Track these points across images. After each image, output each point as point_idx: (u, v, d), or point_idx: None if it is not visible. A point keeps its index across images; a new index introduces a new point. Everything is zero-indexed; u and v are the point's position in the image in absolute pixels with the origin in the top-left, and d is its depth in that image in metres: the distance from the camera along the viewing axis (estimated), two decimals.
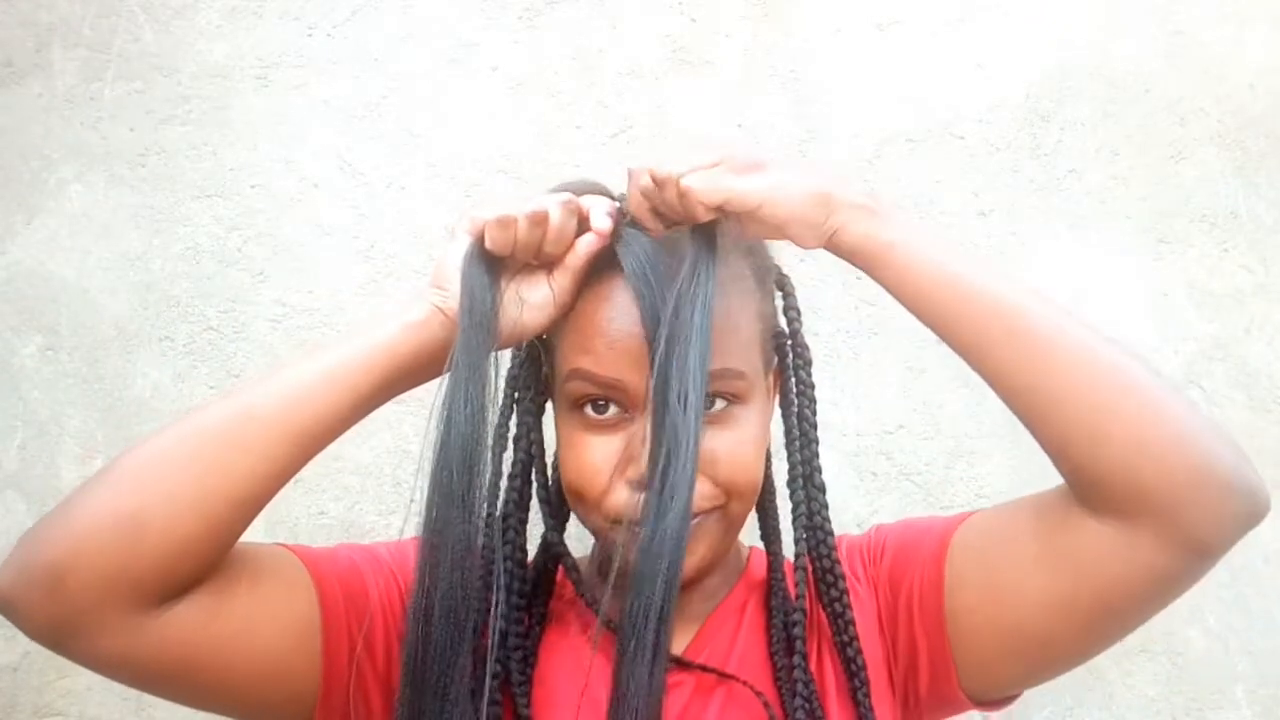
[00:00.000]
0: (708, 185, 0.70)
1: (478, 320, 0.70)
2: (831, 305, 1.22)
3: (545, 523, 0.81)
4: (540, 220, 0.72)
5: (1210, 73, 1.26)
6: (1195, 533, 0.67)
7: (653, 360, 0.69)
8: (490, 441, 0.74)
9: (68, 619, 0.65)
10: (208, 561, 0.68)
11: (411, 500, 1.18)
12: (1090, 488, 0.69)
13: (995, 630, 0.74)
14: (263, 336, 1.21)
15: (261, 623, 0.71)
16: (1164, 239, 1.24)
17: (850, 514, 1.19)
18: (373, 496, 1.19)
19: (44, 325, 1.21)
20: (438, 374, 0.73)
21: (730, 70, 1.26)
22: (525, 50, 1.26)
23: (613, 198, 0.79)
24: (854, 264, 0.73)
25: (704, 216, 0.71)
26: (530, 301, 0.74)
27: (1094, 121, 1.26)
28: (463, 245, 0.73)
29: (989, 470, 1.21)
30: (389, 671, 0.76)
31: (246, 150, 1.24)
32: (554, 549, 0.81)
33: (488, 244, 0.72)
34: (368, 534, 1.19)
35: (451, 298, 0.72)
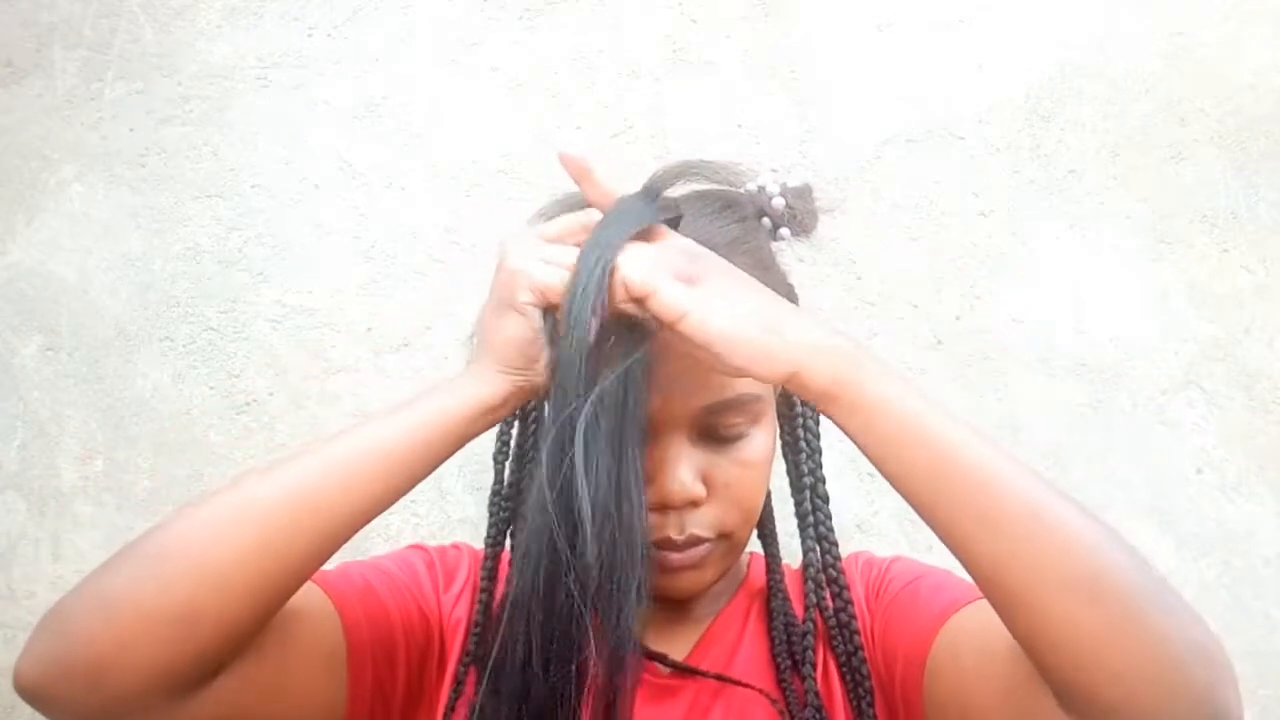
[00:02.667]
0: (640, 277, 0.65)
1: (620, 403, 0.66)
2: (832, 307, 1.22)
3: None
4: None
5: (1210, 73, 1.26)
6: None
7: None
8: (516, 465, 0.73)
9: (108, 711, 0.62)
10: (254, 639, 0.66)
11: (411, 500, 1.19)
12: (1051, 685, 0.61)
13: None
14: (263, 336, 1.21)
15: (295, 667, 0.69)
16: (1164, 239, 1.24)
17: (850, 514, 1.19)
18: None
19: (44, 325, 1.21)
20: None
21: (730, 70, 1.26)
22: (525, 50, 1.26)
23: None
24: (819, 404, 0.65)
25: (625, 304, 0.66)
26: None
27: (1094, 122, 1.26)
28: (534, 320, 0.68)
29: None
30: (407, 688, 0.76)
31: (246, 150, 1.24)
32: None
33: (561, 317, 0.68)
34: (367, 534, 1.19)
35: (537, 374, 0.69)
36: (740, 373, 0.65)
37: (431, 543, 1.14)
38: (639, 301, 0.65)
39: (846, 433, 0.65)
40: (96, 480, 1.20)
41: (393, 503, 0.70)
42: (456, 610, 0.80)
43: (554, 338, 0.68)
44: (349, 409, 1.21)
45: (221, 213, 1.23)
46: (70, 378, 1.20)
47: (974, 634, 0.71)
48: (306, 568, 0.66)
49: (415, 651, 0.76)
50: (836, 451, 1.19)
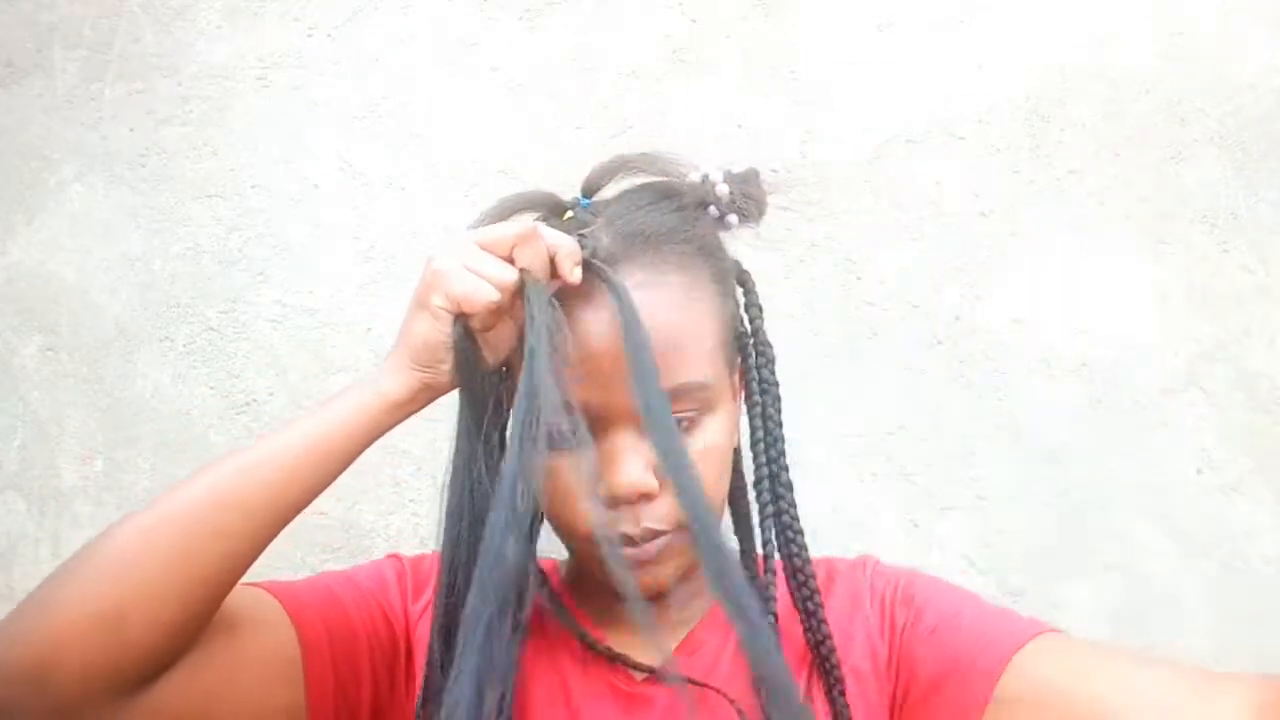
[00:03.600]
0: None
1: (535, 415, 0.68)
2: (832, 306, 1.22)
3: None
4: (516, 290, 0.71)
5: (1210, 73, 1.26)
6: None
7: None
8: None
9: (57, 712, 0.64)
10: (191, 639, 0.68)
11: (410, 500, 1.19)
12: None
13: None
14: (263, 337, 1.21)
15: (242, 670, 0.71)
16: (1164, 240, 1.24)
17: (850, 514, 1.19)
18: (372, 496, 1.19)
19: (44, 325, 1.21)
20: None
21: (730, 70, 1.26)
22: (525, 50, 1.26)
23: (565, 205, 0.79)
24: None
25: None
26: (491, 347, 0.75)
27: (1094, 122, 1.26)
28: (444, 325, 0.72)
29: (989, 470, 1.21)
30: (374, 698, 0.76)
31: (246, 150, 1.24)
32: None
33: (476, 325, 0.72)
34: (367, 534, 1.19)
35: (442, 374, 0.73)
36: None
37: (431, 543, 1.13)
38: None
39: None
40: (96, 480, 1.20)
41: (312, 499, 0.71)
42: (424, 621, 0.79)
43: (460, 345, 0.72)
44: None
45: (221, 213, 1.23)
46: (70, 378, 1.20)
47: (1055, 675, 0.71)
48: (230, 568, 0.68)
49: (382, 662, 0.76)
50: (836, 452, 1.20)
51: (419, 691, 0.76)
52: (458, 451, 0.75)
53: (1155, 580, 1.17)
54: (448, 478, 0.76)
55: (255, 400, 1.21)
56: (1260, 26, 1.27)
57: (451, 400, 1.19)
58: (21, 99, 1.24)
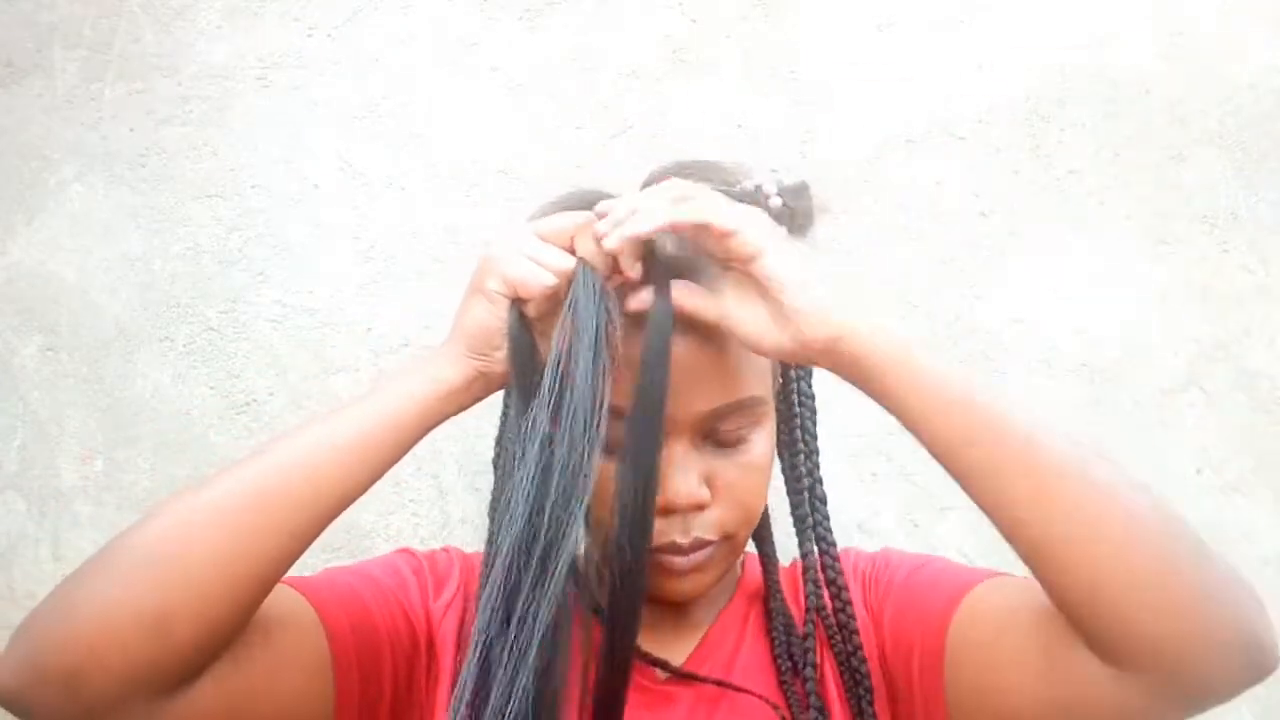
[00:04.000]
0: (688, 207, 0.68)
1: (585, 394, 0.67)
2: None
3: None
4: (570, 276, 0.70)
5: (1210, 73, 1.26)
6: (1195, 691, 0.63)
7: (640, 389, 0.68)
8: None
9: (88, 716, 0.61)
10: (234, 637, 0.66)
11: (410, 500, 1.19)
12: (1090, 636, 0.63)
13: (988, 713, 0.71)
14: (263, 337, 1.21)
15: (279, 673, 0.69)
16: (1164, 240, 1.24)
17: (850, 515, 1.19)
18: (373, 496, 1.18)
19: (44, 325, 1.21)
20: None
21: (730, 70, 1.26)
22: (525, 50, 1.26)
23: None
24: (858, 371, 0.67)
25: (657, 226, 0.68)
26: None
27: (1094, 122, 1.26)
28: (500, 310, 0.70)
29: None
30: (394, 697, 0.75)
31: (247, 150, 1.24)
32: None
33: (531, 312, 0.70)
34: (368, 534, 1.19)
35: (498, 362, 0.70)
36: (786, 328, 0.67)
37: (432, 543, 1.14)
38: (721, 238, 0.67)
39: (884, 400, 0.67)
40: (96, 480, 1.20)
41: (362, 492, 0.69)
42: (448, 619, 0.79)
43: (514, 331, 0.69)
44: None
45: (221, 213, 1.23)
46: (70, 378, 1.20)
47: (993, 611, 0.72)
48: (279, 565, 0.66)
49: (402, 660, 0.76)
50: (836, 452, 1.19)
51: (449, 689, 0.75)
52: (504, 441, 0.73)
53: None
54: (498, 466, 0.75)
55: (255, 400, 1.21)
56: (1260, 26, 1.27)
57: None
58: (21, 99, 1.24)
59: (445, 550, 0.85)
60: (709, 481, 0.73)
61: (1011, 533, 0.65)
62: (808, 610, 0.80)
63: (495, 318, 0.69)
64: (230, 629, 0.64)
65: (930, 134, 1.25)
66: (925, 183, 1.25)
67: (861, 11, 1.27)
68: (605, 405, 0.67)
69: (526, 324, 0.70)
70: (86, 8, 1.26)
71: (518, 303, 0.69)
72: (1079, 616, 0.63)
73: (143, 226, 1.23)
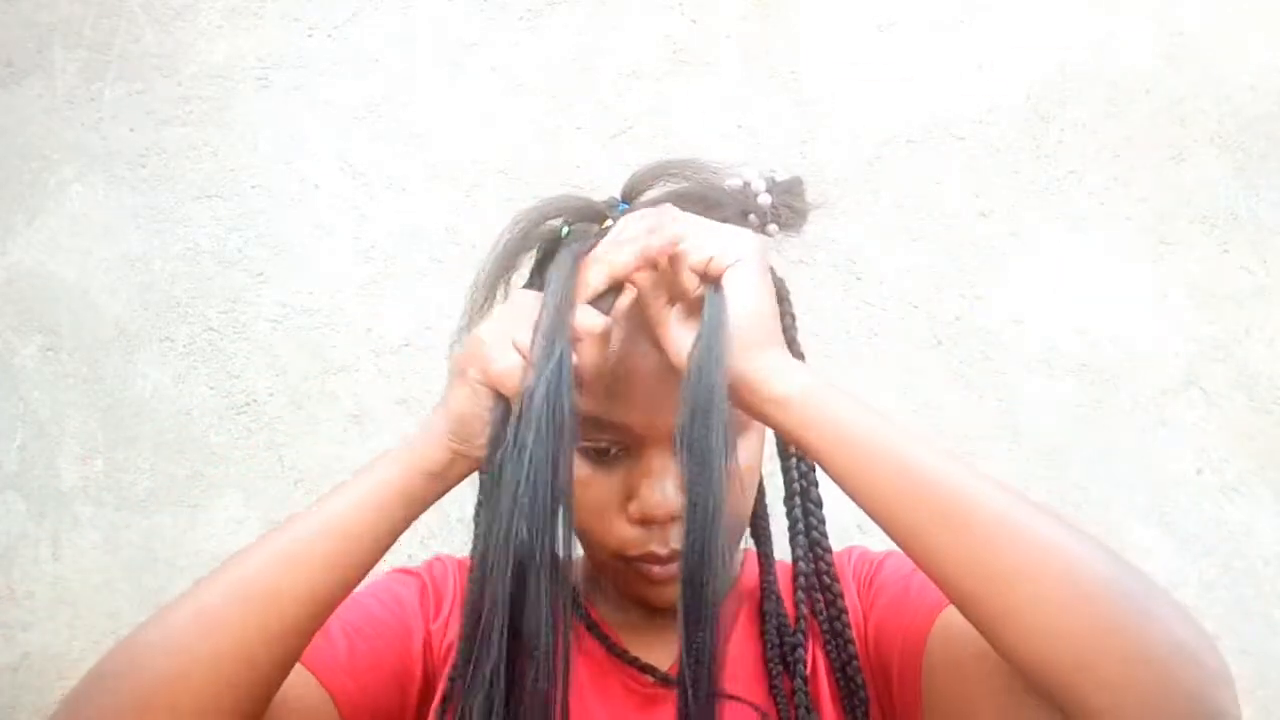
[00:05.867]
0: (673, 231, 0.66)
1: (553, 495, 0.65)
2: (832, 307, 1.22)
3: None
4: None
5: (1210, 73, 1.26)
6: None
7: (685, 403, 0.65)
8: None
9: None
10: None
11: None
12: (1040, 693, 0.61)
13: None
14: (263, 337, 1.21)
15: None
16: (1164, 240, 1.24)
17: (850, 515, 1.18)
18: None
19: (44, 325, 1.21)
20: None
21: (730, 70, 1.26)
22: (525, 50, 1.26)
23: (603, 212, 0.78)
24: (774, 418, 0.66)
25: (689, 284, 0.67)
26: None
27: (1094, 122, 1.26)
28: (483, 400, 0.66)
29: (989, 470, 1.20)
30: None
31: (246, 151, 1.24)
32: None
33: (514, 404, 0.67)
34: None
35: (478, 449, 0.67)
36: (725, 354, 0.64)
37: (432, 542, 1.14)
38: (672, 258, 0.65)
39: (806, 449, 0.65)
40: (96, 480, 1.20)
41: (359, 579, 0.67)
42: (448, 635, 0.78)
43: (497, 426, 0.66)
44: (349, 409, 1.21)
45: (221, 213, 1.23)
46: (70, 378, 1.20)
47: (965, 629, 0.71)
48: (280, 665, 0.64)
49: (412, 692, 0.75)
50: None
51: (440, 698, 0.75)
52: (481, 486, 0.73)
53: (1155, 580, 1.17)
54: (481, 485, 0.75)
55: (255, 400, 1.21)
56: (1260, 26, 1.27)
57: None
58: (21, 99, 1.24)
59: (439, 560, 0.85)
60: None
61: (943, 586, 0.62)
62: (798, 617, 0.79)
63: (478, 406, 0.67)
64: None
65: (930, 134, 1.25)
66: (925, 183, 1.25)
67: (861, 11, 1.27)
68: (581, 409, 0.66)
69: (508, 417, 0.67)
70: (86, 8, 1.26)
71: (501, 398, 0.67)
72: (1029, 681, 0.60)
73: (143, 226, 1.23)
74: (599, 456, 0.73)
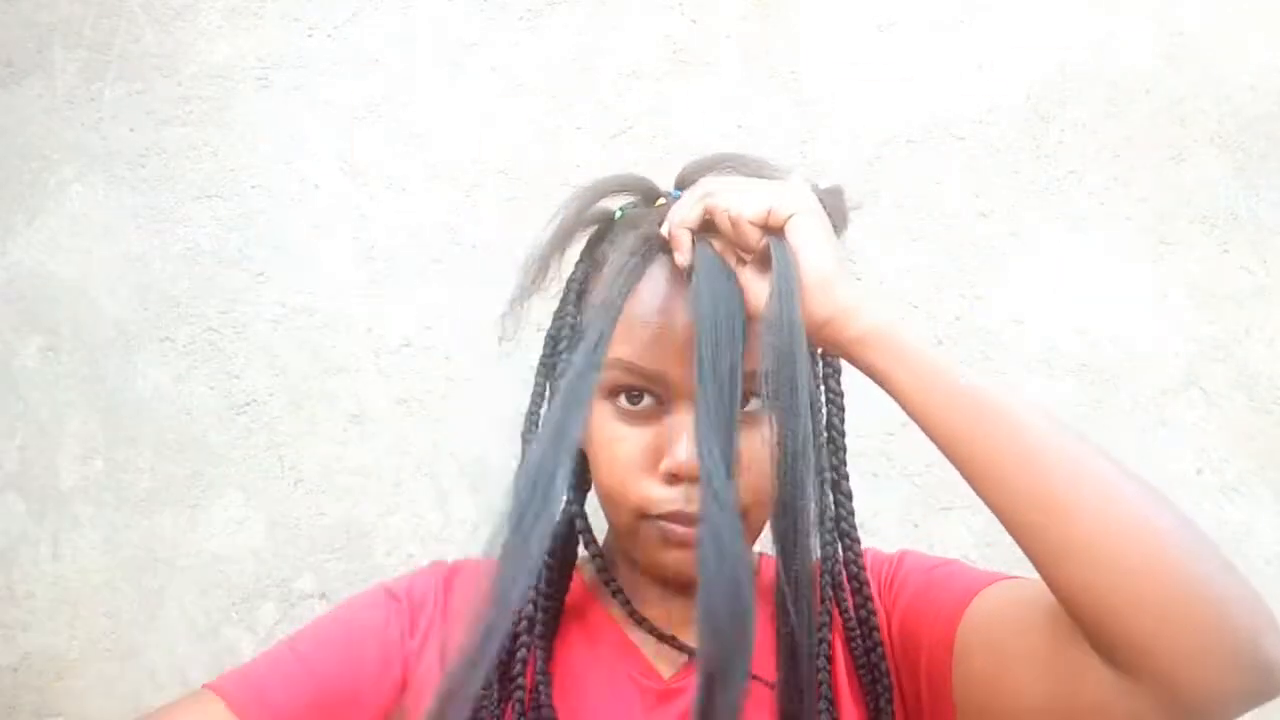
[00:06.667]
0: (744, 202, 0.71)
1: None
2: None
3: (567, 495, 0.79)
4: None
5: (1210, 73, 1.26)
6: (1197, 703, 0.60)
7: (699, 356, 0.68)
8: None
9: None
10: None
11: (411, 501, 1.19)
12: (1090, 636, 0.62)
13: (993, 713, 0.71)
14: (263, 337, 1.21)
15: None
16: (1164, 240, 1.24)
17: (855, 516, 1.19)
18: (373, 496, 1.19)
19: (44, 325, 1.21)
20: None
21: (730, 70, 1.26)
22: (525, 50, 1.26)
23: (659, 194, 0.80)
24: (863, 357, 0.69)
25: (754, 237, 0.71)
26: None
27: (1094, 122, 1.26)
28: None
29: None
30: None
31: (247, 151, 1.24)
32: (575, 522, 0.80)
33: None
34: (367, 534, 1.19)
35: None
36: (800, 299, 0.68)
37: (432, 543, 1.14)
38: (733, 219, 0.69)
39: (885, 380, 0.68)
40: (96, 480, 1.20)
41: None
42: (423, 653, 0.78)
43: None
44: (349, 409, 1.21)
45: (221, 213, 1.23)
46: (70, 378, 1.20)
47: (1003, 610, 0.72)
48: None
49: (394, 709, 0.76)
50: None
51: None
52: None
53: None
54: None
55: (255, 400, 1.21)
56: (1260, 27, 1.27)
57: (453, 400, 1.20)
58: (21, 99, 1.24)
59: (432, 566, 0.85)
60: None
61: (1008, 520, 0.64)
62: (823, 601, 0.79)
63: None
64: None
65: (930, 134, 1.25)
66: (925, 183, 1.25)
67: (861, 11, 1.27)
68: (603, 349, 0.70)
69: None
70: (86, 8, 1.26)
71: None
72: (1083, 621, 0.62)
73: (143, 226, 1.23)
74: (631, 413, 0.74)
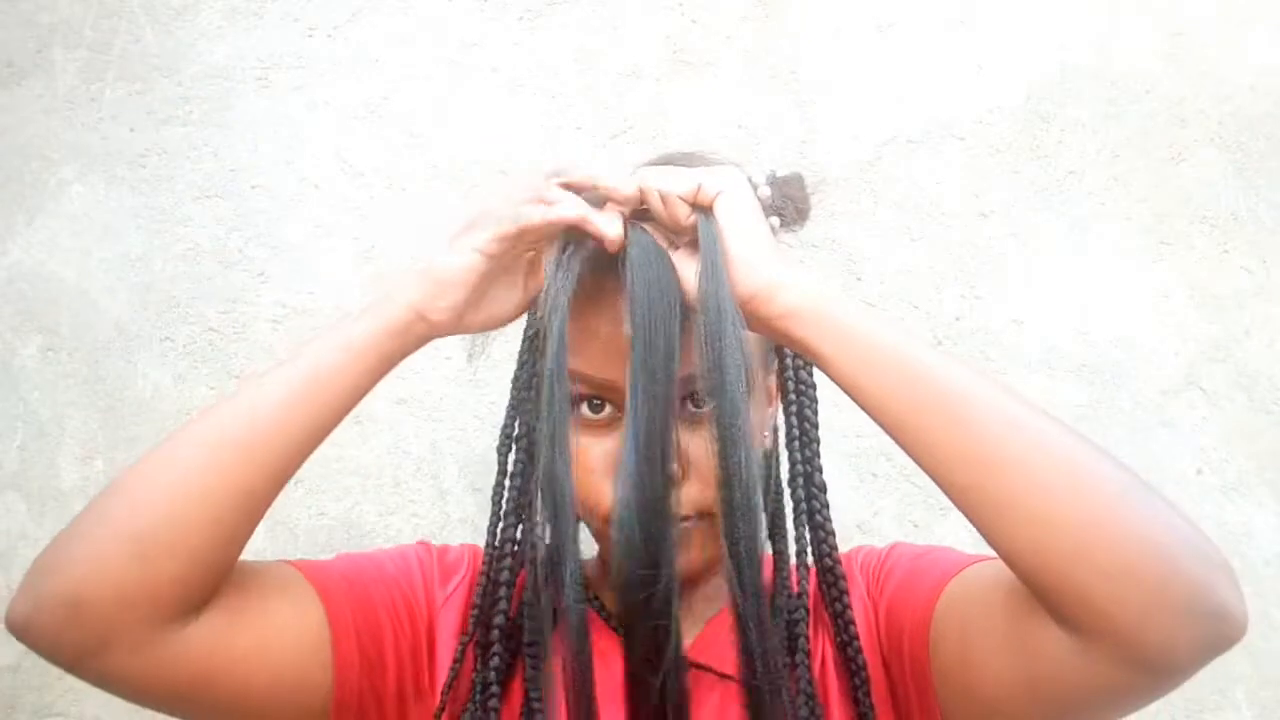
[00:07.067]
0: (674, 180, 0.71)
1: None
2: None
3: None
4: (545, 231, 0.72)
5: (1210, 73, 1.26)
6: (1153, 656, 0.60)
7: (632, 360, 0.68)
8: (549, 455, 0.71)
9: (87, 642, 0.66)
10: (220, 571, 0.69)
11: (410, 500, 1.19)
12: (1041, 598, 0.62)
13: (968, 694, 0.71)
14: (263, 337, 1.21)
15: (273, 637, 0.71)
16: (1164, 240, 1.24)
17: (850, 515, 1.19)
18: (373, 496, 1.19)
19: (44, 326, 1.21)
20: None
21: (730, 70, 1.26)
22: (525, 50, 1.26)
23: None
24: (788, 332, 0.69)
25: (683, 213, 0.71)
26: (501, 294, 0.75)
27: (1094, 123, 1.26)
28: (477, 266, 0.72)
29: None
30: (399, 683, 0.76)
31: (247, 151, 1.24)
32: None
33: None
34: (367, 534, 1.19)
35: (439, 311, 0.72)
36: (730, 271, 0.68)
37: (434, 542, 1.13)
38: (663, 195, 0.70)
39: (814, 355, 0.68)
40: (96, 480, 1.20)
41: (333, 421, 0.72)
42: (449, 607, 0.80)
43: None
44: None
45: (221, 213, 1.23)
46: (70, 378, 1.20)
47: (973, 590, 0.72)
48: (250, 505, 0.70)
49: (406, 650, 0.77)
50: (836, 452, 1.19)
51: (450, 662, 0.77)
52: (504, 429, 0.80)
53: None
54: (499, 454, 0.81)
55: None
56: (1260, 26, 1.27)
57: (453, 400, 1.20)
58: (21, 99, 1.24)
59: (466, 546, 0.87)
60: (682, 456, 0.72)
61: (948, 485, 0.64)
62: (799, 594, 0.79)
63: (469, 273, 0.71)
64: (212, 556, 0.68)
65: (930, 134, 1.25)
66: (925, 183, 1.25)
67: (861, 12, 1.27)
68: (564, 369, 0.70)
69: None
70: (86, 8, 1.26)
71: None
72: (1032, 583, 0.62)
73: (143, 226, 1.23)
74: (594, 422, 0.75)
